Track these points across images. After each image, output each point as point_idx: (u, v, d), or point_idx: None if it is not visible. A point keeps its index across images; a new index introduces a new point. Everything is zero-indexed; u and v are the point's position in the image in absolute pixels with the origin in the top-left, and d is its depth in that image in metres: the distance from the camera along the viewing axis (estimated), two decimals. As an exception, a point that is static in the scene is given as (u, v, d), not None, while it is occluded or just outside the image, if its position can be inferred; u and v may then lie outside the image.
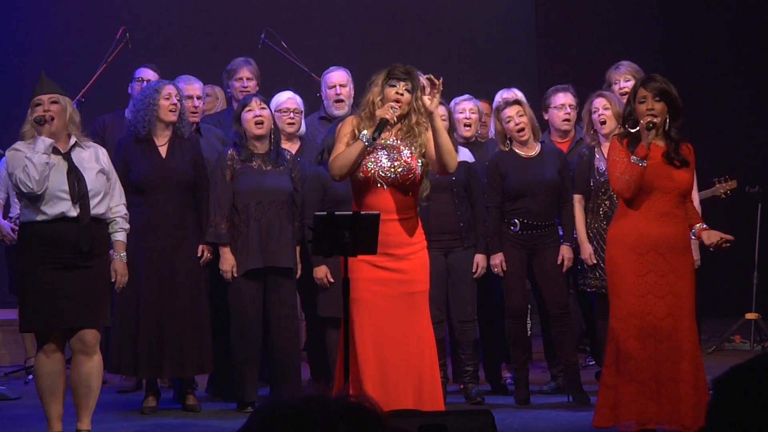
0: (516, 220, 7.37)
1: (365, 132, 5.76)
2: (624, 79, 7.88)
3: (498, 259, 7.35)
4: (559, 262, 7.39)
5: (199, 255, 7.16)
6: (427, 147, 5.85)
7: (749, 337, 9.67)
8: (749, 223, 9.84)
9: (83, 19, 11.03)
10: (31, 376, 8.12)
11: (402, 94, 5.81)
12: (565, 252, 7.39)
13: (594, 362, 8.43)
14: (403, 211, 5.80)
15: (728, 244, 6.13)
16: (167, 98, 7.11)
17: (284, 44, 9.11)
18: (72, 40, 10.90)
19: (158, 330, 7.04)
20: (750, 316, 9.64)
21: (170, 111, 7.11)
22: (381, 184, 5.78)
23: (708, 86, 11.47)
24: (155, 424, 6.91)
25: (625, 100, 7.54)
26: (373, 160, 5.79)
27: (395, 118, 5.77)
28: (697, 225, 6.19)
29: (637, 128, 6.03)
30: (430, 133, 5.84)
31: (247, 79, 8.08)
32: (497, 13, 11.89)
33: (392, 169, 5.77)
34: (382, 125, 5.73)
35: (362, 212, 5.57)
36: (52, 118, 6.02)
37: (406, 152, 5.82)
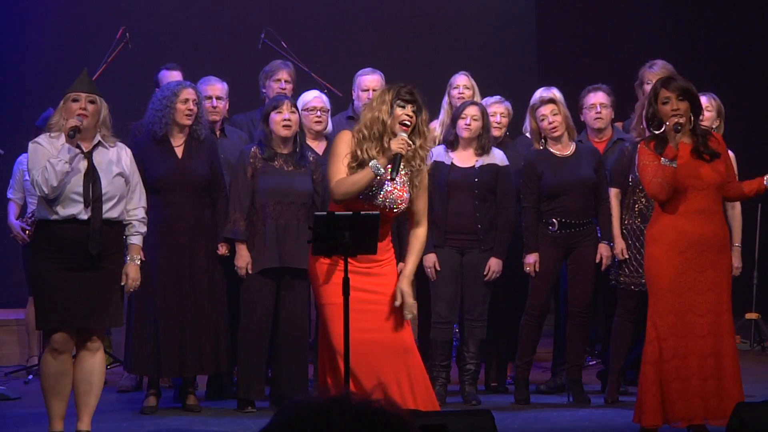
0: (554, 220, 7.34)
1: (376, 162, 5.65)
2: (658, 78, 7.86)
3: (532, 258, 7.32)
4: (597, 261, 7.36)
5: (220, 253, 7.18)
6: (415, 198, 5.83)
7: (749, 337, 9.69)
8: (749, 223, 9.84)
9: (83, 19, 11.03)
10: (31, 376, 8.12)
11: (411, 116, 5.76)
12: (604, 250, 7.35)
13: (594, 362, 8.43)
14: (380, 234, 5.78)
15: None
16: (184, 103, 7.10)
17: (284, 44, 9.11)
18: (72, 40, 10.90)
19: (178, 329, 7.05)
20: (750, 316, 9.65)
21: (186, 116, 7.10)
22: (368, 209, 5.76)
23: (708, 85, 11.46)
24: (155, 424, 6.90)
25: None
26: (365, 189, 5.76)
27: (407, 150, 5.72)
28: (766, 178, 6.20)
29: (662, 129, 6.03)
30: (424, 175, 5.87)
31: (286, 81, 8.08)
32: (497, 13, 11.89)
33: (384, 200, 5.73)
34: (398, 161, 5.67)
35: (362, 212, 5.55)
36: (85, 120, 6.00)
37: (399, 182, 5.77)
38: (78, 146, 5.98)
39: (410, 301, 5.75)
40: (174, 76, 7.91)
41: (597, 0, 11.90)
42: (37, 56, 10.78)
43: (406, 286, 5.76)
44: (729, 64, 11.68)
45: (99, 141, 6.07)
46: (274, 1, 11.31)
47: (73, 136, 5.93)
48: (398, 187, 5.74)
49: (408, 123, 5.71)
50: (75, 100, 6.03)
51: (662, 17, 11.87)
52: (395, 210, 5.75)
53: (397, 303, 5.73)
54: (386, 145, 5.70)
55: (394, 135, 5.69)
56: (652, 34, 11.63)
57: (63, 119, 6.02)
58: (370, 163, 5.65)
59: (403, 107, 5.73)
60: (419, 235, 5.89)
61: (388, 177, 5.67)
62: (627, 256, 7.24)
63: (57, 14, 11.10)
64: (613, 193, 7.34)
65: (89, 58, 9.39)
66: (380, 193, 5.70)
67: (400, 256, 6.31)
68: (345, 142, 5.79)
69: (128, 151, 6.24)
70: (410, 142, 5.67)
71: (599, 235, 7.41)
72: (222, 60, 10.39)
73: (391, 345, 5.71)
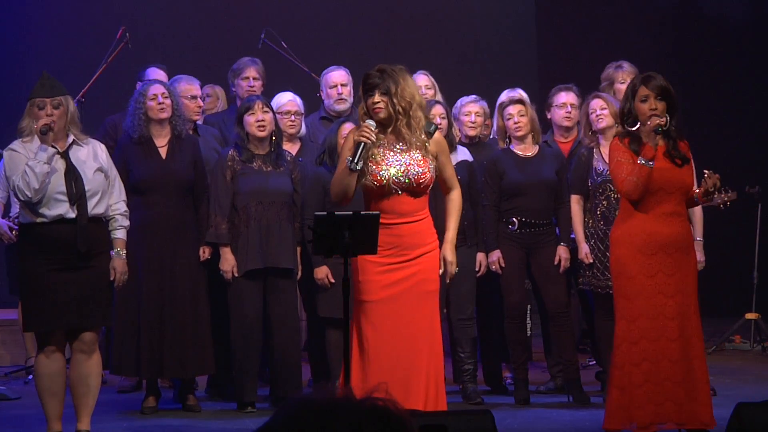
0: (514, 219, 7.39)
1: (349, 156, 5.70)
2: (629, 78, 7.88)
3: (495, 256, 7.37)
4: (555, 263, 7.40)
5: (203, 259, 7.17)
6: (441, 166, 5.85)
7: (749, 337, 9.68)
8: (749, 223, 9.84)
9: (83, 19, 11.03)
10: (31, 376, 8.11)
11: (378, 102, 5.74)
12: (562, 252, 7.40)
13: (594, 362, 8.43)
14: (416, 213, 5.77)
15: (726, 196, 6.16)
16: (153, 99, 7.13)
17: (284, 44, 9.11)
18: (72, 40, 10.90)
19: (159, 330, 7.05)
20: (750, 316, 9.64)
21: (159, 110, 7.12)
22: (396, 190, 5.75)
23: (707, 85, 11.47)
24: (155, 424, 6.90)
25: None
26: (385, 167, 5.73)
27: (372, 137, 5.66)
28: (695, 190, 6.15)
29: (637, 127, 6.02)
30: (443, 153, 5.88)
31: (254, 78, 8.09)
32: (497, 13, 11.89)
33: (405, 174, 5.73)
34: (358, 149, 5.62)
35: (362, 212, 5.55)
36: (54, 123, 5.99)
37: (416, 155, 5.76)
38: (53, 146, 5.98)
39: (452, 270, 5.82)
40: (157, 74, 7.94)
41: (597, 1, 11.89)
42: (37, 56, 10.77)
43: (449, 254, 5.83)
44: (728, 65, 11.67)
45: (73, 140, 6.06)
46: (274, 1, 11.30)
47: (45, 132, 5.93)
48: (417, 161, 5.73)
49: (378, 109, 5.70)
50: (40, 107, 6.01)
51: (662, 18, 11.86)
52: (421, 182, 5.73)
53: (441, 271, 5.78)
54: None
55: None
56: (650, 35, 11.62)
57: (32, 122, 6.01)
58: (347, 159, 5.68)
59: (371, 95, 5.73)
60: (454, 198, 5.96)
61: (353, 167, 5.63)
62: (591, 260, 7.26)
63: (57, 14, 11.10)
64: (574, 199, 7.35)
65: (89, 58, 9.40)
66: (400, 169, 5.70)
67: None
68: (348, 139, 5.82)
69: (102, 146, 6.25)
70: (371, 128, 5.64)
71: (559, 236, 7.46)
72: (222, 60, 10.37)
73: (418, 343, 5.72)
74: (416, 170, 5.72)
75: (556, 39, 11.85)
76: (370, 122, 5.67)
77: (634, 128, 6.03)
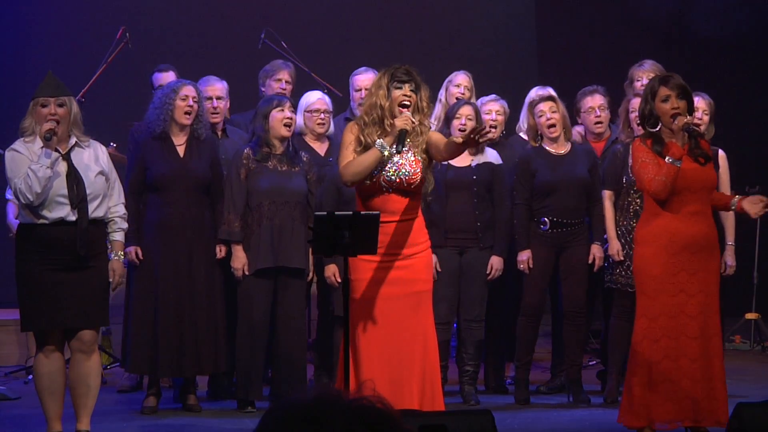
0: (545, 219, 7.33)
1: (381, 141, 5.75)
2: (647, 77, 7.86)
3: (525, 255, 7.31)
4: (590, 261, 7.35)
5: (219, 258, 7.18)
6: (431, 145, 5.87)
7: (749, 337, 9.68)
8: (749, 223, 9.84)
9: (83, 19, 11.03)
10: (31, 376, 8.12)
11: (409, 96, 5.82)
12: (596, 251, 7.35)
13: (595, 362, 8.43)
14: (407, 212, 5.82)
15: None
16: (184, 99, 7.11)
17: (284, 44, 9.11)
18: (72, 40, 10.90)
19: (177, 328, 7.05)
20: (750, 316, 9.65)
21: (185, 113, 7.09)
22: (386, 188, 5.79)
23: (707, 86, 11.46)
24: (155, 424, 6.91)
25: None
26: (378, 166, 5.79)
27: (413, 127, 5.79)
28: (734, 199, 6.17)
29: (659, 128, 6.02)
30: (433, 135, 5.90)
31: (286, 81, 8.10)
32: (497, 13, 11.89)
33: (396, 174, 5.78)
34: (403, 136, 5.74)
35: (362, 212, 5.58)
36: (58, 123, 5.98)
37: (408, 155, 5.83)
38: (57, 150, 5.97)
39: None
40: (168, 77, 7.92)
41: (597, 1, 11.89)
42: (37, 56, 10.78)
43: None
44: (729, 65, 11.67)
45: (75, 142, 6.06)
46: (274, 1, 11.31)
47: (50, 138, 5.92)
48: (410, 161, 5.80)
49: (407, 103, 5.79)
50: (44, 106, 6.01)
51: (662, 18, 11.86)
52: (412, 183, 5.78)
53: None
54: (387, 128, 5.80)
55: (395, 117, 5.78)
56: (651, 35, 11.62)
57: (35, 123, 6.01)
58: (376, 143, 5.75)
59: (400, 88, 5.80)
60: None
61: (394, 152, 5.74)
62: (622, 257, 7.24)
63: (57, 14, 11.10)
64: (607, 195, 7.32)
65: (89, 58, 9.41)
66: (392, 168, 5.76)
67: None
68: (351, 132, 5.90)
69: (103, 148, 6.25)
70: (413, 119, 5.75)
71: (591, 235, 7.40)
72: (222, 60, 10.38)
73: (411, 343, 5.74)
74: (407, 170, 5.78)
75: (556, 39, 11.85)
76: (407, 113, 5.80)
77: (655, 129, 6.03)
